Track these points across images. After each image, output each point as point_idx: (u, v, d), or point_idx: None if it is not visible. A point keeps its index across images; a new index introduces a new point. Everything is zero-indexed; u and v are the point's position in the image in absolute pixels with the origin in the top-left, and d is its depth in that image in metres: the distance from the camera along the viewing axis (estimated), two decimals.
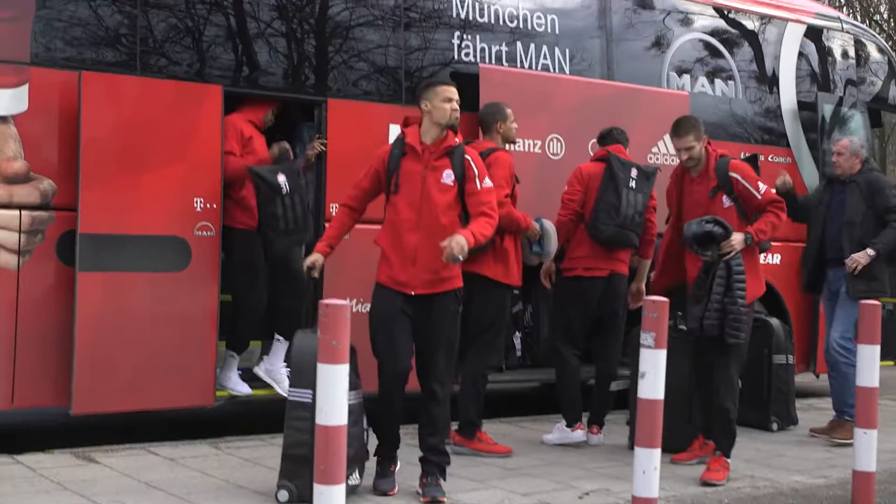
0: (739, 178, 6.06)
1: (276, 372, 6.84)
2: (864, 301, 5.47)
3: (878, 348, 5.16)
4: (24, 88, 6.01)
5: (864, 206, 7.11)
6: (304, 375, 4.79)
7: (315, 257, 5.31)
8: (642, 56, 8.67)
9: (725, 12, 9.26)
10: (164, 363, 6.33)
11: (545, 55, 8.07)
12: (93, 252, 6.07)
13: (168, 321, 6.34)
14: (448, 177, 5.20)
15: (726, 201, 6.08)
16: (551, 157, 7.87)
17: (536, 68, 7.99)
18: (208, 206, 6.46)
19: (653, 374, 4.23)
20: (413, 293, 5.12)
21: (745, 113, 9.20)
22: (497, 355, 6.63)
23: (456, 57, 7.62)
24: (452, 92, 5.26)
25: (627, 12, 8.59)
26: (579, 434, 6.69)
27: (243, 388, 6.81)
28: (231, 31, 6.86)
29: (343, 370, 3.42)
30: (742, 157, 7.92)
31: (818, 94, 9.58)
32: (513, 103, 6.97)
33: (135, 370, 6.24)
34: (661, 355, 4.25)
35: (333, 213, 6.86)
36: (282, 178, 6.54)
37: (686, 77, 8.87)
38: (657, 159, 8.30)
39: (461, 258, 4.93)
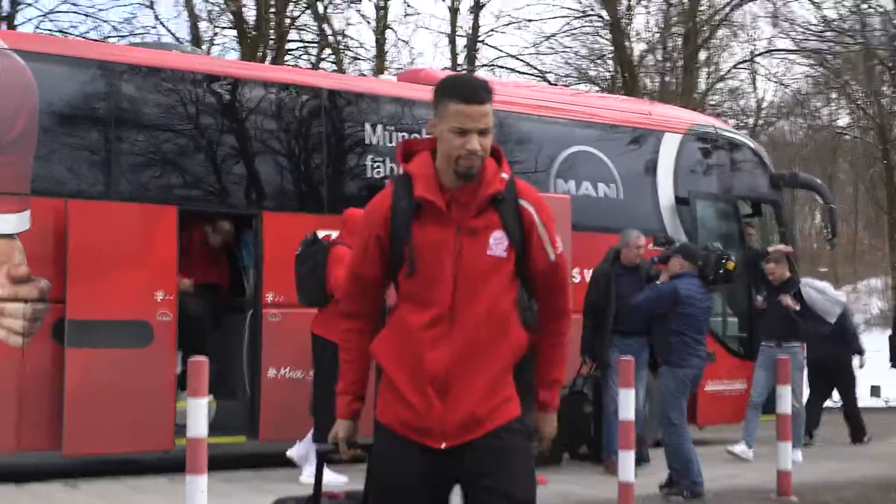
0: None
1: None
2: None
3: None
4: (27, 213, 8.13)
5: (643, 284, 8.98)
6: None
7: (346, 429, 3.24)
8: (530, 166, 10.67)
9: (608, 127, 11.27)
10: (134, 416, 8.32)
11: None
12: (78, 333, 8.11)
13: (136, 384, 8.34)
14: (499, 243, 3.08)
15: None
16: None
17: None
18: (167, 297, 8.52)
19: None
20: (444, 445, 3.04)
21: (625, 210, 11.12)
22: None
23: (369, 174, 9.69)
24: (471, 114, 3.03)
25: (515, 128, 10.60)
26: None
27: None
28: (180, 163, 8.98)
29: (202, 402, 5.46)
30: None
31: (690, 192, 11.53)
32: None
33: (111, 422, 8.21)
34: None
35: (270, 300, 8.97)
36: None
37: (571, 182, 10.86)
38: None
39: None
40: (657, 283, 8.48)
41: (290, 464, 8.21)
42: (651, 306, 8.24)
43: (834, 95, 31.50)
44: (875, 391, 19.99)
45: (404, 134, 9.92)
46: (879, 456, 10.37)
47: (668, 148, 11.62)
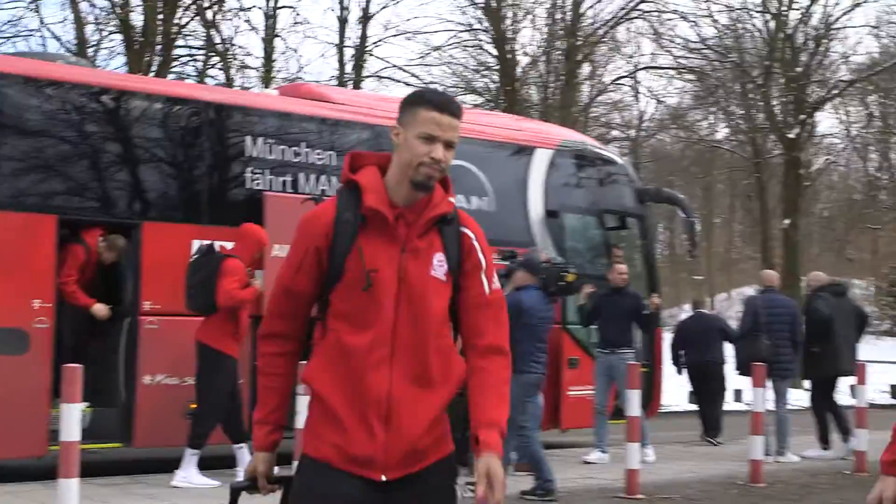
0: None
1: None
2: None
3: None
4: None
5: None
6: None
7: (265, 462, 3.04)
8: None
9: (481, 142, 11.73)
10: (6, 422, 8.46)
11: (325, 182, 10.47)
12: None
13: (10, 391, 8.48)
14: (441, 265, 3.01)
15: None
16: None
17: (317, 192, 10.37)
18: (44, 305, 8.69)
19: None
20: (384, 478, 2.92)
21: (497, 223, 11.57)
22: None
23: (249, 186, 9.98)
24: (442, 123, 2.98)
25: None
26: None
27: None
28: (61, 173, 9.16)
29: (75, 408, 5.74)
30: None
31: (559, 205, 12.08)
32: (293, 224, 9.30)
33: None
34: None
35: (147, 308, 9.19)
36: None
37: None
38: None
39: None
40: None
41: (164, 469, 8.47)
42: None
43: (712, 110, 32.76)
44: (738, 395, 20.88)
45: (284, 147, 10.23)
46: (727, 456, 11.06)
47: (539, 163, 12.15)
